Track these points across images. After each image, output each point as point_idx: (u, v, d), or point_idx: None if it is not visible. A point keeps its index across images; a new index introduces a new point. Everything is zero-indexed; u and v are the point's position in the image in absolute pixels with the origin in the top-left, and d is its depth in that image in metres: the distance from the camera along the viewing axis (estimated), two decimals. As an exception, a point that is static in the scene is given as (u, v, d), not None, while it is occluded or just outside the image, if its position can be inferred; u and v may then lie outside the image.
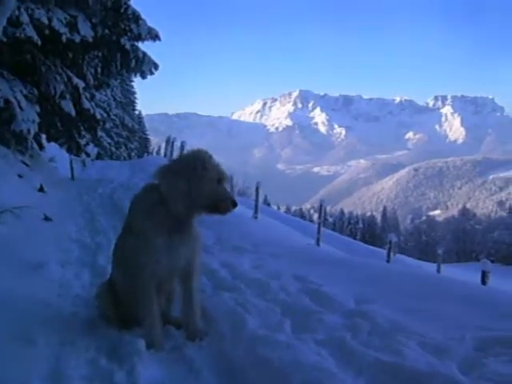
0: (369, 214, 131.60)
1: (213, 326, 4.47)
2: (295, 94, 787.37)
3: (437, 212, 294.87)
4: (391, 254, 17.62)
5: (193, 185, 3.94)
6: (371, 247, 39.67)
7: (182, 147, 22.96)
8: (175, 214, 4.01)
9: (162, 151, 33.01)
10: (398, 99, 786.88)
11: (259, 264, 7.13)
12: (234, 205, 4.03)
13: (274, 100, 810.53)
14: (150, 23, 21.03)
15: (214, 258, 7.24)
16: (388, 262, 16.15)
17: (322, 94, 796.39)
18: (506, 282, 44.10)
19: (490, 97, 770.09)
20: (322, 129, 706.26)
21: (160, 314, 4.24)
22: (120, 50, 21.15)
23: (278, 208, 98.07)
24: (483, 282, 15.65)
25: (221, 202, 4.02)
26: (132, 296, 4.20)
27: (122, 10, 19.78)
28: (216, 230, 9.20)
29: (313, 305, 4.97)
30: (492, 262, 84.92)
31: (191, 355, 3.96)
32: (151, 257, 4.01)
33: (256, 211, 17.03)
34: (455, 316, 5.09)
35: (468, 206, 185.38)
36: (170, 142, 27.25)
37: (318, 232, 16.60)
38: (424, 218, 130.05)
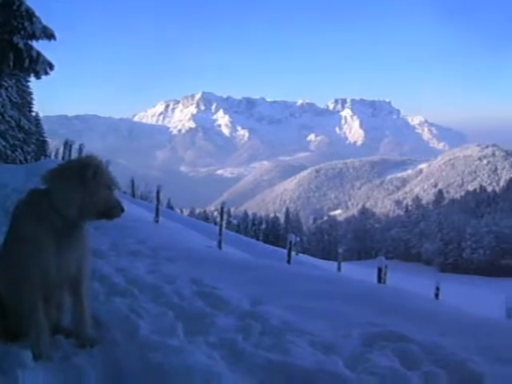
0: (272, 215, 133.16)
1: (104, 333, 4.38)
2: (198, 96, 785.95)
3: (338, 212, 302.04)
4: (292, 254, 17.93)
5: (84, 191, 3.87)
6: (274, 248, 40.13)
7: (81, 150, 22.45)
8: (65, 219, 3.92)
9: (60, 155, 32.12)
10: (300, 102, 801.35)
11: (155, 268, 7.07)
12: (122, 211, 4.01)
13: (177, 102, 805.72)
14: (45, 22, 20.35)
15: (108, 264, 7.10)
16: (289, 262, 16.42)
17: (225, 96, 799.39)
18: (404, 277, 45.96)
19: (387, 100, 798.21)
20: (226, 131, 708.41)
21: (49, 324, 4.12)
22: (12, 48, 20.25)
23: (181, 211, 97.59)
24: (379, 278, 16.19)
25: (111, 209, 3.98)
26: (18, 306, 4.05)
27: (15, 7, 18.96)
28: (112, 234, 9.04)
29: (207, 308, 4.98)
30: (391, 258, 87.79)
31: (81, 364, 3.85)
32: (38, 265, 3.89)
33: (157, 215, 16.86)
34: (345, 313, 5.25)
35: (367, 205, 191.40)
36: (68, 145, 26.54)
37: (220, 234, 16.64)
38: (325, 217, 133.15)
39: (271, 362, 3.56)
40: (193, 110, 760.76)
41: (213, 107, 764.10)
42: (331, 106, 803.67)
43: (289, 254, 17.02)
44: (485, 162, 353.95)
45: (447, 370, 3.70)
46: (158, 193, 18.31)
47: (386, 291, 7.40)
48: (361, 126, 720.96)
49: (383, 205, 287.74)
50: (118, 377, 3.70)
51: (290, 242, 17.10)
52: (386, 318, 5.13)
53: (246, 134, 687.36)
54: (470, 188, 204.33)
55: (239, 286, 6.28)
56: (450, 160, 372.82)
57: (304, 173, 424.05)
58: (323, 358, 3.69)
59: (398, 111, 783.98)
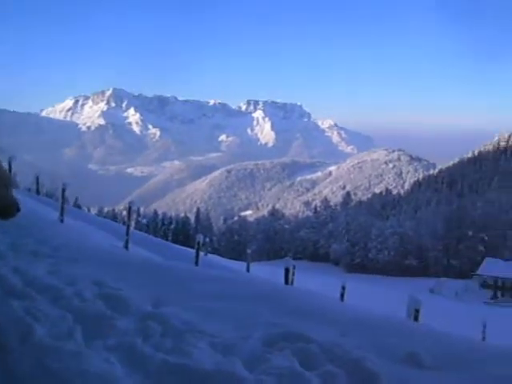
0: (182, 215, 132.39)
1: (-2, 337, 4.21)
2: (109, 93, 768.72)
3: (248, 212, 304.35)
4: (201, 254, 17.86)
5: None
6: (184, 248, 39.90)
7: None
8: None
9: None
10: (212, 102, 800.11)
11: (55, 269, 6.85)
12: (18, 210, 3.86)
13: (87, 98, 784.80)
14: None
15: (6, 265, 6.82)
16: (196, 262, 16.35)
17: (136, 93, 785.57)
18: (312, 277, 46.77)
19: (299, 103, 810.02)
20: (136, 129, 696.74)
21: None
22: None
23: (89, 210, 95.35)
24: (286, 279, 16.38)
25: (6, 208, 3.83)
26: None
27: None
28: (12, 234, 8.70)
29: (107, 310, 4.86)
30: (300, 258, 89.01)
31: (-30, 370, 3.69)
32: None
33: (62, 213, 16.36)
34: (249, 314, 5.29)
35: (277, 206, 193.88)
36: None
37: (127, 234, 16.33)
38: (236, 218, 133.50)
39: (169, 364, 3.53)
40: (103, 106, 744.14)
41: (124, 104, 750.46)
42: (243, 107, 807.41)
43: (197, 255, 16.94)
44: (391, 165, 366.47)
45: (345, 370, 3.79)
46: (63, 191, 17.73)
47: (291, 292, 7.52)
48: (272, 127, 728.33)
49: (293, 206, 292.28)
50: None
51: (198, 243, 17.03)
52: (289, 319, 5.20)
53: (158, 133, 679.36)
54: (377, 191, 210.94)
55: (142, 287, 6.19)
56: (358, 163, 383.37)
57: (215, 173, 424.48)
58: (222, 360, 3.69)
59: (309, 114, 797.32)
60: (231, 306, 5.69)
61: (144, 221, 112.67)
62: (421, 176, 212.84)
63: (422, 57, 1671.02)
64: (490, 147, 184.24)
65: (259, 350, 4.00)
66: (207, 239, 37.47)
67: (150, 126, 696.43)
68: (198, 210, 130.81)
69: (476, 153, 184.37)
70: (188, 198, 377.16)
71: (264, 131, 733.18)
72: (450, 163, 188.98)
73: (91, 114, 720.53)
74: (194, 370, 3.41)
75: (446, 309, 45.33)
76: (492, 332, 23.18)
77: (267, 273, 28.86)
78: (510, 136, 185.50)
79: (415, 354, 4.42)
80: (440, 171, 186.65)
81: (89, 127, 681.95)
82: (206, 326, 4.52)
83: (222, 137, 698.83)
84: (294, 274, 20.38)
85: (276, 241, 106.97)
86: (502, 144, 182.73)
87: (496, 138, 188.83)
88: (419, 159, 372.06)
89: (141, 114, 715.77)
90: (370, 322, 5.70)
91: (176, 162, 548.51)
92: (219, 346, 3.99)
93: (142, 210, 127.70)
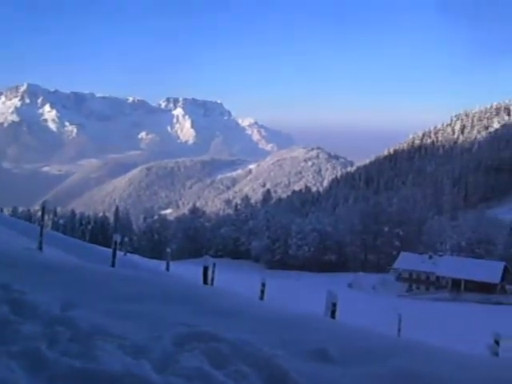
0: (101, 214, 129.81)
1: None
2: (23, 89, 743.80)
3: (169, 211, 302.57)
4: (120, 254, 17.53)
5: None
6: (102, 248, 39.14)
7: None
8: None
9: None
10: (131, 99, 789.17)
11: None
12: None
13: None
14: None
15: None
16: (113, 262, 16.02)
17: (52, 90, 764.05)
18: (233, 275, 46.94)
19: (219, 101, 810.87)
20: (52, 126, 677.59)
21: None
22: None
23: (1, 210, 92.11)
24: (205, 277, 16.29)
25: None
26: None
27: None
28: None
29: (12, 315, 4.67)
30: (221, 256, 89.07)
31: None
32: None
33: (-30, 214, 15.67)
34: (162, 315, 5.21)
35: (198, 204, 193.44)
36: None
37: (41, 235, 15.81)
38: (156, 217, 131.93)
39: (75, 369, 3.43)
40: (16, 102, 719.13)
41: (39, 101, 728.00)
42: (163, 105, 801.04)
43: (114, 255, 16.59)
44: (310, 163, 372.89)
45: (255, 368, 3.80)
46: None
47: (206, 291, 7.48)
48: (192, 125, 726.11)
49: (213, 204, 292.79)
50: None
51: (115, 242, 16.66)
52: (202, 319, 5.16)
53: (75, 130, 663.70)
54: (296, 188, 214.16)
55: (53, 289, 6.00)
56: (277, 161, 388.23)
57: (135, 171, 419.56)
58: (131, 362, 3.61)
59: (229, 112, 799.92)
60: (145, 306, 5.60)
61: (61, 221, 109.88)
62: (339, 173, 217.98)
63: (338, 56, 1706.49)
64: (405, 146, 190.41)
65: (170, 351, 3.95)
66: (126, 239, 36.99)
67: (67, 123, 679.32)
68: (117, 208, 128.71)
69: (392, 151, 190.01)
70: (107, 197, 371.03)
71: (184, 129, 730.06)
72: (367, 161, 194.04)
73: (4, 110, 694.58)
74: (101, 373, 3.33)
75: (363, 303, 46.53)
76: (407, 325, 23.90)
77: (187, 271, 28.76)
78: (423, 135, 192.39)
79: (324, 350, 4.50)
80: (357, 169, 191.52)
81: (1, 124, 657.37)
82: (117, 329, 4.41)
83: (142, 134, 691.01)
84: (213, 273, 20.34)
85: (197, 239, 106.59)
86: (417, 142, 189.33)
87: (411, 137, 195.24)
88: (337, 157, 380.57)
89: (57, 111, 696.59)
90: (283, 320, 5.74)
91: (94, 160, 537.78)
92: (128, 349, 3.91)
93: (58, 209, 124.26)
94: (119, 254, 19.84)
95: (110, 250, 16.63)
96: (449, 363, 4.75)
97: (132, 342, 4.04)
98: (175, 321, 4.92)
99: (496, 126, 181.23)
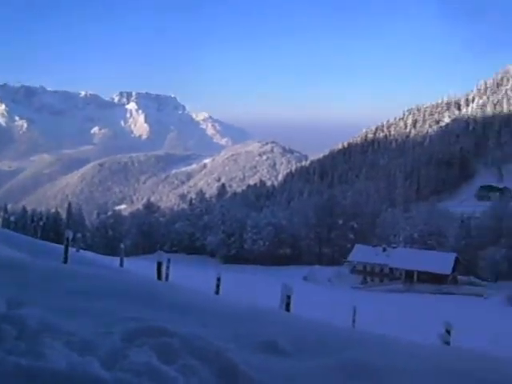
0: (53, 210, 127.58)
1: None
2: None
3: (123, 206, 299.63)
4: (73, 250, 17.26)
5: None
6: (55, 245, 38.51)
7: None
8: None
9: None
10: (83, 93, 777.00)
11: None
12: None
13: None
14: None
15: None
16: (65, 259, 15.75)
17: (1, 83, 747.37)
18: (188, 270, 46.77)
19: (173, 95, 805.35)
20: (1, 121, 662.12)
21: None
22: None
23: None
24: (159, 272, 16.17)
25: None
26: None
27: None
28: None
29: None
30: (175, 251, 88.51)
31: None
32: None
33: None
34: (112, 311, 5.13)
35: (152, 199, 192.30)
36: None
37: (-10, 232, 15.45)
38: (110, 212, 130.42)
39: (21, 367, 3.33)
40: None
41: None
42: (116, 99, 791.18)
43: (66, 251, 16.31)
44: (264, 157, 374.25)
45: (205, 361, 3.78)
46: None
47: (160, 287, 7.41)
48: (146, 120, 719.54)
49: (168, 199, 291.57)
50: None
51: (67, 239, 16.40)
52: (155, 314, 5.11)
53: (25, 125, 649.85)
54: (251, 182, 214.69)
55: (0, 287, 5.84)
56: (232, 155, 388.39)
57: (87, 166, 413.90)
58: (78, 359, 3.54)
59: (184, 107, 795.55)
60: (96, 303, 5.51)
61: (12, 218, 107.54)
62: (293, 167, 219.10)
63: (294, 49, 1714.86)
64: (359, 140, 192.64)
65: (118, 347, 3.90)
66: (79, 235, 36.32)
67: (17, 118, 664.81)
68: (70, 204, 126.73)
69: (346, 145, 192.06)
70: (59, 193, 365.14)
71: (138, 123, 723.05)
72: (321, 155, 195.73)
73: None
74: (48, 371, 3.26)
75: (318, 295, 46.92)
76: (362, 317, 24.22)
77: (142, 267, 28.50)
78: (376, 129, 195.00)
79: (274, 342, 4.51)
80: (312, 163, 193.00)
81: None
82: (65, 325, 4.33)
83: (95, 129, 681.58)
84: (168, 268, 20.20)
85: (151, 234, 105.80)
86: (370, 136, 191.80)
87: (364, 131, 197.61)
88: (292, 151, 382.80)
89: (6, 105, 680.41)
90: (238, 314, 5.73)
91: (46, 156, 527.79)
92: (76, 345, 3.84)
93: (9, 206, 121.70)
94: (72, 250, 19.54)
95: (63, 247, 16.36)
96: (402, 354, 4.81)
97: (81, 339, 3.96)
98: (124, 316, 4.85)
99: (447, 120, 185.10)
